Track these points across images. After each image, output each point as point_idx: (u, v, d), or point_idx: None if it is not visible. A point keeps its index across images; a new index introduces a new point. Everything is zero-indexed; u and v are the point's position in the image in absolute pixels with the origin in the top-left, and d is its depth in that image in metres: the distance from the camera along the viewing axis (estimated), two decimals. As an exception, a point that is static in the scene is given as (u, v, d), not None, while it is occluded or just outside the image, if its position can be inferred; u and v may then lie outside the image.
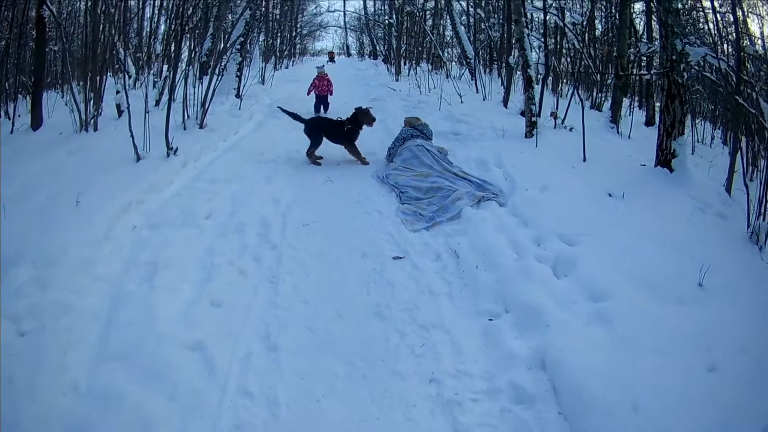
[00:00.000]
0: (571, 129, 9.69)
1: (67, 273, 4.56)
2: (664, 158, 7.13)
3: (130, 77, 13.12)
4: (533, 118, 9.15)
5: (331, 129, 8.71)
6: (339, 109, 10.92)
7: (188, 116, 9.40)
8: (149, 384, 3.66)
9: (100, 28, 9.64)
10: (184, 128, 9.07)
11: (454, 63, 22.29)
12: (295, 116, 8.94)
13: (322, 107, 12.99)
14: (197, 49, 12.58)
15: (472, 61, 18.57)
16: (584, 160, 7.76)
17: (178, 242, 5.50)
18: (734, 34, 8.66)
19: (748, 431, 3.29)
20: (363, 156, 8.55)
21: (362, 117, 8.68)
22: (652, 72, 7.55)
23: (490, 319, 4.55)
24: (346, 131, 8.59)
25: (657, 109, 11.24)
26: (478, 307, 4.73)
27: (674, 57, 6.93)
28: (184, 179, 7.21)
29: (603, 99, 14.12)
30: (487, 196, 6.71)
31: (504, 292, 4.81)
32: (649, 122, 12.60)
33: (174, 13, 11.79)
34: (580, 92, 11.96)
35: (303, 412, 3.62)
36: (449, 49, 24.62)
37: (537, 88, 9.69)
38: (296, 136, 9.31)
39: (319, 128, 8.76)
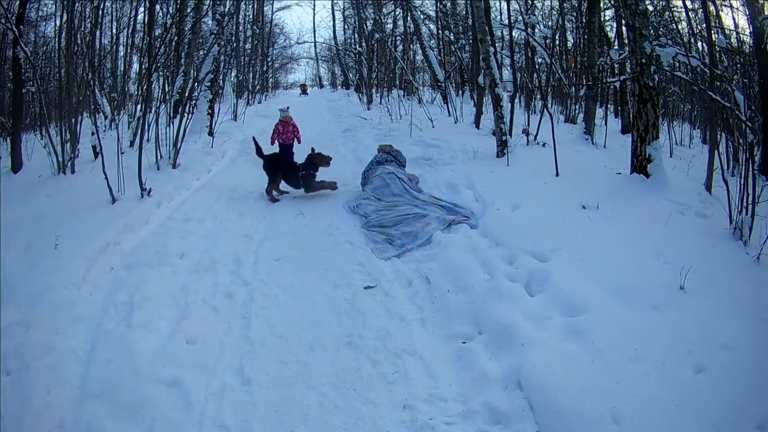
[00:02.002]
0: (543, 144, 9.83)
1: (48, 314, 4.68)
2: (640, 164, 7.16)
3: (106, 118, 13.20)
4: (503, 137, 9.21)
5: (288, 171, 8.77)
6: (311, 142, 10.95)
7: (161, 156, 9.50)
8: (128, 420, 3.79)
9: (74, 68, 9.70)
10: (158, 168, 9.17)
11: (426, 88, 22.43)
12: (258, 149, 9.05)
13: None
14: (170, 88, 12.65)
15: (443, 84, 18.76)
16: (557, 175, 7.81)
17: (154, 281, 5.59)
18: (706, 29, 8.79)
19: (743, 430, 3.38)
20: (328, 183, 8.61)
21: (318, 160, 8.71)
22: (621, 78, 7.46)
23: (464, 342, 4.64)
24: (301, 176, 8.62)
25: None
26: (450, 330, 4.83)
27: (644, 60, 6.96)
28: (158, 219, 7.30)
29: (577, 111, 14.20)
30: (458, 219, 6.81)
31: (476, 313, 4.90)
32: (624, 130, 12.71)
33: (145, 51, 11.86)
34: (549, 107, 11.98)
35: (277, 443, 3.70)
36: (420, 74, 24.78)
37: (507, 106, 9.79)
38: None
39: (275, 167, 8.83)
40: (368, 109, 19.74)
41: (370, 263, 6.13)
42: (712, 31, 8.19)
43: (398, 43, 25.69)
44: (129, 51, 16.59)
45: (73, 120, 9.43)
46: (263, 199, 8.58)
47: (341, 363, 4.47)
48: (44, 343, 4.35)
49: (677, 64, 8.47)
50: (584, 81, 12.85)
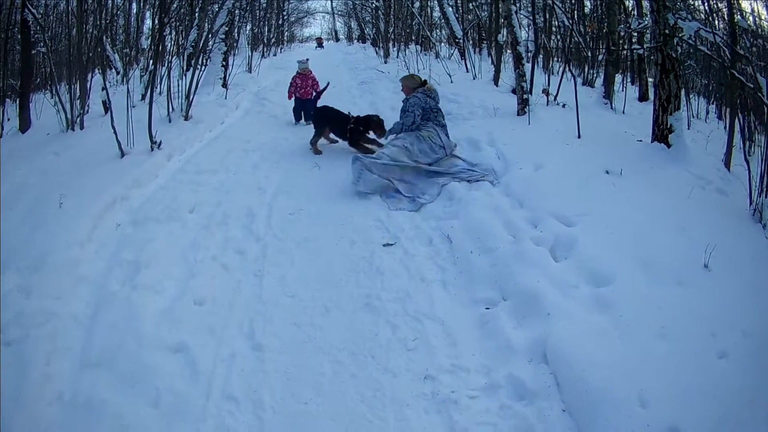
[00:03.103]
0: (563, 105, 9.42)
1: (50, 278, 4.37)
2: (661, 133, 6.86)
3: (118, 73, 12.84)
4: (525, 96, 8.87)
5: (335, 121, 8.23)
6: (326, 94, 10.49)
7: (173, 109, 9.08)
8: (131, 390, 3.49)
9: (84, 27, 9.37)
10: (170, 121, 8.77)
11: (442, 44, 21.93)
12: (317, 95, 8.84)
13: (303, 114, 10.20)
14: (183, 42, 12.26)
15: (461, 41, 18.14)
16: (579, 137, 7.45)
17: (162, 238, 5.25)
18: (726, 8, 8.30)
19: (762, 421, 3.07)
20: (375, 145, 7.91)
21: (374, 125, 7.96)
22: (645, 46, 7.19)
23: (487, 308, 4.29)
24: (349, 128, 8.02)
25: (650, 84, 11.22)
26: (473, 294, 4.48)
27: (667, 31, 6.65)
28: (168, 172, 6.94)
29: (595, 75, 13.83)
30: (475, 177, 6.44)
31: (500, 277, 4.53)
32: (642, 97, 12.28)
33: (158, 6, 11.41)
34: (571, 69, 11.69)
35: (289, 415, 3.42)
36: (437, 30, 24.26)
37: (527, 65, 9.41)
38: (284, 122, 9.17)
39: (323, 118, 8.36)
40: (385, 62, 19.24)
41: (389, 219, 5.75)
42: (733, 12, 7.59)
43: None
44: (142, 6, 16.10)
45: (83, 76, 9.06)
46: (277, 150, 8.20)
47: (358, 327, 4.15)
48: (45, 309, 4.03)
49: (696, 40, 8.02)
50: (604, 46, 12.54)
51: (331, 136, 8.36)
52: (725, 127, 9.45)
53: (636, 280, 4.19)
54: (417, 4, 24.27)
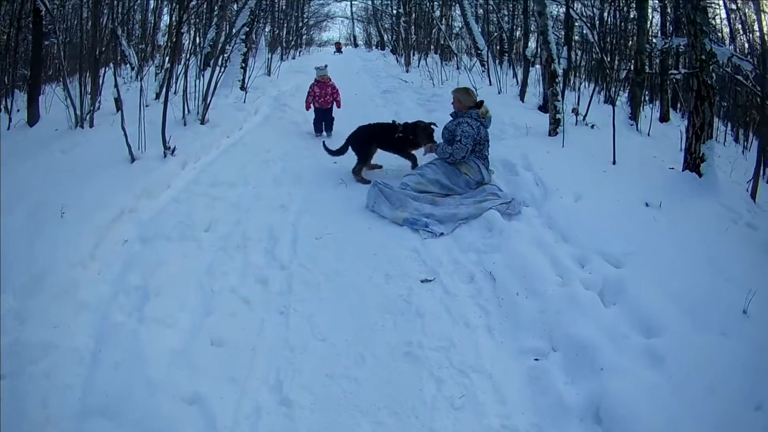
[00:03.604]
0: (592, 126, 9.05)
1: (49, 303, 3.83)
2: (693, 162, 6.55)
3: (132, 69, 12.35)
4: (557, 115, 8.36)
5: (381, 137, 7.26)
6: (349, 103, 9.85)
7: (188, 111, 8.51)
8: (139, 447, 2.95)
9: (100, 20, 8.91)
10: (185, 124, 8.20)
11: (464, 54, 21.52)
12: (336, 151, 7.56)
13: (324, 126, 9.37)
14: (201, 40, 11.74)
15: (482, 52, 17.77)
16: (614, 163, 7.05)
17: (174, 260, 4.70)
18: (759, 33, 8.48)
19: None
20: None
21: (420, 132, 7.08)
22: (683, 71, 6.82)
23: (536, 359, 3.83)
24: (396, 139, 7.19)
25: (670, 105, 11.26)
26: (521, 343, 3.99)
27: (703, 57, 6.36)
28: (182, 182, 6.36)
29: (617, 93, 13.23)
30: (505, 209, 5.82)
31: (550, 324, 4.06)
32: (662, 118, 11.85)
33: (176, 1, 10.90)
34: (603, 88, 11.29)
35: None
36: (458, 41, 23.84)
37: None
38: (305, 130, 8.79)
39: (366, 141, 7.27)
40: (407, 71, 18.70)
41: (425, 249, 5.19)
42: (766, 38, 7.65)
43: (435, 8, 24.56)
44: (159, 2, 15.65)
45: (95, 72, 8.60)
46: (300, 162, 7.61)
47: (399, 380, 3.62)
48: (42, 340, 3.51)
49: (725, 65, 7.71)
50: (631, 65, 12.13)
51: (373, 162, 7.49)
52: (742, 151, 9.09)
53: (684, 330, 3.88)
54: (437, 13, 23.98)
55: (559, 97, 8.49)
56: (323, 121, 9.31)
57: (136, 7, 14.99)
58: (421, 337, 4.00)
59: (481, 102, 6.77)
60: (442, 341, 3.97)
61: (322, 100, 9.28)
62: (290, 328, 4.08)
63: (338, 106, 9.42)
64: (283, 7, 24.83)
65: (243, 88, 11.42)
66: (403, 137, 7.15)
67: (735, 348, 3.70)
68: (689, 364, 3.53)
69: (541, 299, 4.30)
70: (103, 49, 9.04)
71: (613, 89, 13.21)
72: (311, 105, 9.33)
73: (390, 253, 5.16)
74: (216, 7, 12.36)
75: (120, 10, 12.11)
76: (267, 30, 19.91)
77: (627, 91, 13.41)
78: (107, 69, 9.69)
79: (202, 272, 4.61)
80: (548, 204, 5.81)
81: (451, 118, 6.75)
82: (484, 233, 5.47)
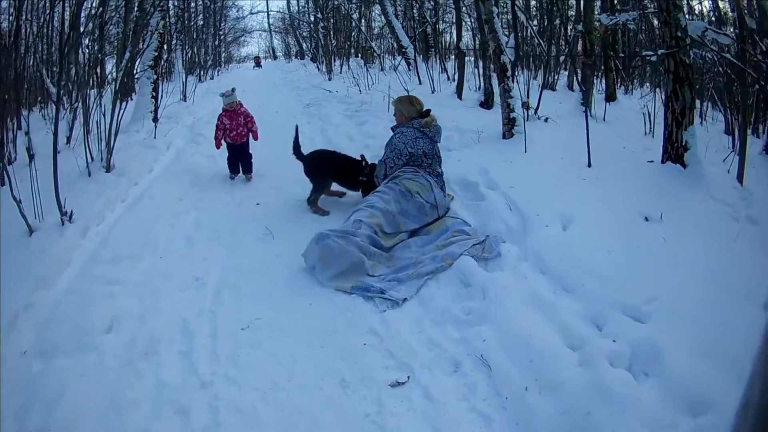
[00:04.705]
0: (546, 120, 8.16)
1: None
2: (675, 152, 5.92)
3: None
4: (512, 114, 7.35)
5: (343, 170, 6.18)
6: (269, 125, 8.54)
7: (92, 158, 6.99)
8: None
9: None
10: (89, 174, 6.70)
11: (387, 55, 20.43)
12: (297, 148, 6.41)
13: (241, 165, 7.41)
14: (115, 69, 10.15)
15: (408, 50, 16.90)
16: (589, 165, 6.09)
17: (75, 386, 3.39)
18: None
19: None
20: None
21: None
22: (659, 52, 5.93)
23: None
24: (362, 180, 6.07)
25: (617, 83, 10.89)
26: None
27: (679, 33, 5.76)
28: (82, 256, 4.98)
29: (556, 77, 12.84)
30: (477, 253, 4.57)
31: (581, 432, 2.89)
32: (609, 98, 10.82)
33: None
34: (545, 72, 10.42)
35: None
36: (380, 41, 22.75)
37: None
38: (222, 165, 7.34)
39: (324, 167, 6.21)
40: (329, 79, 17.49)
41: (388, 330, 3.83)
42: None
43: (354, 9, 23.63)
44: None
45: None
46: (215, 208, 6.35)
47: None
48: None
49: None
50: (569, 48, 11.32)
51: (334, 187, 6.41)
52: (725, 131, 8.86)
53: (732, 401, 2.60)
54: (355, 15, 22.97)
55: (512, 93, 7.47)
56: (238, 159, 7.39)
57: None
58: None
59: (428, 111, 5.75)
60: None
61: (235, 134, 7.31)
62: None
63: (255, 138, 7.48)
64: (200, 24, 23.27)
65: (155, 119, 9.94)
66: (370, 177, 5.96)
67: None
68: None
69: (561, 394, 3.07)
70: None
71: (550, 73, 12.34)
72: (221, 141, 7.37)
73: (343, 342, 3.79)
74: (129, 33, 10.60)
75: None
76: (182, 52, 18.23)
77: (567, 73, 12.60)
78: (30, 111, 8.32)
79: (106, 405, 3.27)
80: (531, 237, 4.66)
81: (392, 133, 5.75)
82: (459, 291, 4.25)
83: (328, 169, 6.19)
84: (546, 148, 6.66)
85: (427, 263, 4.51)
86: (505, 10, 13.27)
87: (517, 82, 7.68)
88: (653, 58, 6.63)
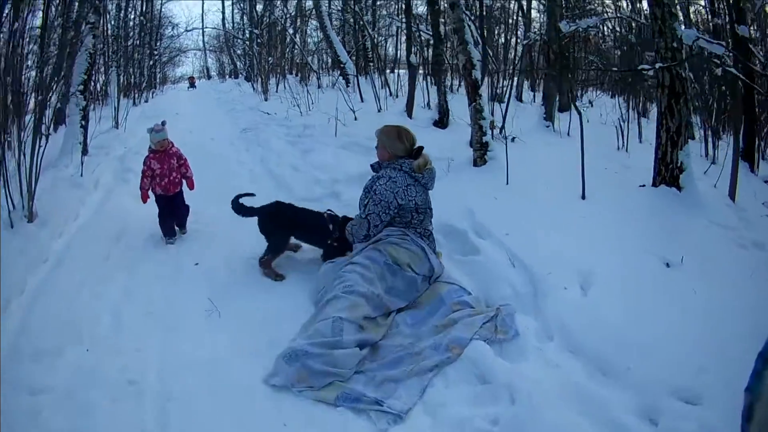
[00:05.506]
0: (513, 139, 7.45)
1: None
2: (670, 174, 5.55)
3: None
4: (484, 138, 6.60)
5: (303, 227, 4.97)
6: (205, 156, 7.53)
7: (13, 206, 5.69)
8: None
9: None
10: (12, 226, 5.46)
11: (323, 71, 19.55)
12: (240, 208, 5.14)
13: (176, 221, 5.86)
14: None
15: (347, 66, 16.17)
16: (583, 198, 5.51)
17: None
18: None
19: None
20: None
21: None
22: (657, 65, 5.50)
23: None
24: (330, 241, 4.82)
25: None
26: None
27: (674, 44, 5.42)
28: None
29: (505, 90, 11.63)
30: (485, 336, 3.56)
31: None
32: (562, 108, 10.31)
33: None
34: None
35: None
36: (316, 55, 21.88)
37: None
38: (151, 211, 5.82)
39: (282, 223, 4.97)
40: (265, 99, 16.22)
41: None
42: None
43: (289, 24, 22.82)
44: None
45: None
46: (145, 278, 4.96)
47: None
48: None
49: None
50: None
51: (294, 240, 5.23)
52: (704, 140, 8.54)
53: None
54: (290, 30, 22.29)
55: (484, 115, 6.68)
56: (172, 215, 5.80)
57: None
58: None
59: (420, 149, 4.52)
60: None
61: (167, 182, 5.72)
62: None
63: (190, 187, 5.94)
64: (137, 44, 21.95)
65: (84, 151, 8.70)
66: (340, 237, 4.79)
67: None
68: None
69: None
70: None
71: (500, 84, 11.61)
72: (148, 192, 5.79)
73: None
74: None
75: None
76: (117, 73, 16.89)
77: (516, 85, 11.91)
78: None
79: None
80: (548, 304, 3.81)
81: (372, 172, 4.63)
82: (476, 391, 3.22)
83: (287, 227, 5.02)
84: (527, 176, 5.92)
85: (428, 354, 3.48)
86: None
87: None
88: (650, 72, 6.02)
